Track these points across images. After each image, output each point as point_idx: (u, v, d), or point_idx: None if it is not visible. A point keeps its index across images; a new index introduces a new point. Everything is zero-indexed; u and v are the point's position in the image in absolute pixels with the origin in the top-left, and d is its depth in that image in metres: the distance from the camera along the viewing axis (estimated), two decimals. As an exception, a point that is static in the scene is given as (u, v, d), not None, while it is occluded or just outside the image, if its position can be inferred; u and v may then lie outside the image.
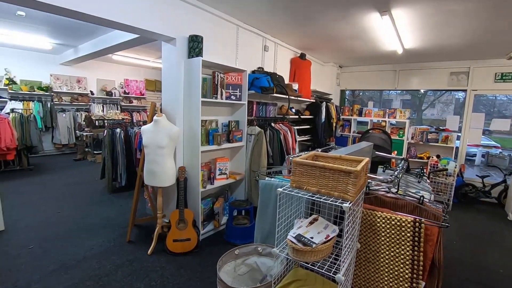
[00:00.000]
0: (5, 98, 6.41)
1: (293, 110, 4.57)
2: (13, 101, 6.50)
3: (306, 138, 4.81)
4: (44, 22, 4.57)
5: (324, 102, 5.02)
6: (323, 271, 1.31)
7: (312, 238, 1.36)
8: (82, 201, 4.01)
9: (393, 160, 4.16)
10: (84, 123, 6.99)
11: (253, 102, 3.71)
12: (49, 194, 4.27)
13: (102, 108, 7.95)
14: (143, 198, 3.64)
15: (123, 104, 8.50)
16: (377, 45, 4.39)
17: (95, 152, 6.56)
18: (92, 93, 7.84)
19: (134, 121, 7.66)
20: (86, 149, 6.87)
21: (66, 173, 5.55)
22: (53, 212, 3.60)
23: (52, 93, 7.11)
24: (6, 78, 6.47)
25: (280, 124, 3.81)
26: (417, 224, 1.44)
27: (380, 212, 1.55)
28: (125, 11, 2.38)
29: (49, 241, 2.86)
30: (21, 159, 5.67)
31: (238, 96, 3.12)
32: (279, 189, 1.38)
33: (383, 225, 1.54)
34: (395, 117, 5.44)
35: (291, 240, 1.36)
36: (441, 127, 5.33)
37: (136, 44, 4.38)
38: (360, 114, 5.84)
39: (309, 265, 1.37)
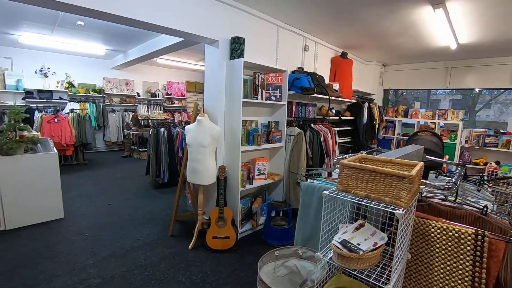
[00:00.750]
0: (65, 99, 7.14)
1: (333, 110, 4.44)
2: (71, 102, 7.23)
3: (346, 140, 4.64)
4: (99, 30, 4.99)
5: (367, 103, 4.80)
6: (371, 280, 1.24)
7: (358, 244, 1.30)
8: (129, 195, 4.30)
9: (444, 165, 3.84)
10: (131, 122, 7.50)
11: (293, 103, 3.67)
12: (101, 187, 4.65)
13: (147, 109, 8.47)
14: (184, 195, 3.80)
15: (165, 105, 8.98)
16: (427, 41, 4.08)
17: (140, 149, 7.01)
18: (138, 94, 8.40)
19: (176, 121, 8.04)
20: (133, 147, 7.37)
21: (115, 168, 6.01)
22: (104, 203, 3.92)
23: (104, 95, 7.75)
24: (67, 82, 7.19)
25: (320, 125, 3.72)
26: (479, 237, 1.30)
27: (434, 222, 1.43)
28: (172, 16, 2.50)
29: (101, 230, 3.11)
30: (78, 155, 6.27)
31: (278, 97, 3.11)
32: (325, 192, 1.34)
33: (438, 235, 1.42)
34: (446, 119, 5.01)
35: (336, 246, 1.31)
36: (501, 130, 4.79)
37: (180, 48, 4.59)
38: (405, 115, 5.48)
39: (352, 273, 1.31)
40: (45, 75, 6.93)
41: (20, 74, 6.56)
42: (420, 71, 5.74)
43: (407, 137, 5.32)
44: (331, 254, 1.43)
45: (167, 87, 9.05)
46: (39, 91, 6.78)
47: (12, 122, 3.19)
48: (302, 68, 3.84)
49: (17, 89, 6.50)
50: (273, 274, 1.90)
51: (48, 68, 6.96)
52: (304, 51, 3.97)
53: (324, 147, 3.51)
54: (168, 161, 4.53)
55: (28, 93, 6.61)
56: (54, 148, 3.60)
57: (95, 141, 6.68)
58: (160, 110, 8.67)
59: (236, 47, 2.82)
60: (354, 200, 1.28)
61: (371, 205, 1.23)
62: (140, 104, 8.42)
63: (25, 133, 3.30)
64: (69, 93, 7.17)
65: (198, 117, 2.68)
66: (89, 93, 7.50)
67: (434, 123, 5.11)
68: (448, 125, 5.22)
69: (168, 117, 7.93)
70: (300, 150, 3.17)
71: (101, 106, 7.64)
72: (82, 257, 2.57)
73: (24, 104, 6.43)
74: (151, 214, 3.58)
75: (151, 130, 4.57)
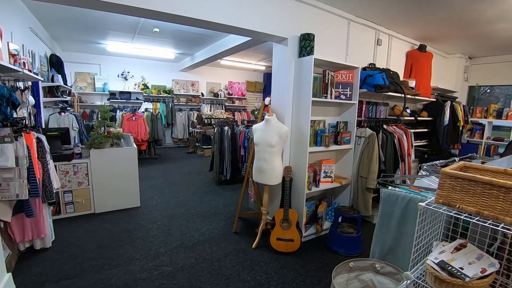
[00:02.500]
0: (141, 100, 7.95)
1: (408, 110, 3.99)
2: (146, 102, 8.02)
3: (422, 143, 4.14)
4: (171, 35, 5.38)
5: (449, 101, 4.21)
6: (481, 314, 1.03)
7: (461, 268, 1.10)
8: (194, 189, 4.56)
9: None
10: (196, 121, 7.98)
11: (363, 102, 3.40)
12: (169, 180, 5.03)
13: (210, 108, 8.92)
14: (246, 193, 3.85)
15: (227, 104, 9.33)
16: (535, 26, 3.39)
17: (203, 146, 7.40)
18: (202, 94, 8.90)
19: (236, 119, 8.28)
20: (197, 144, 7.83)
21: (181, 163, 6.45)
22: (173, 195, 4.21)
23: (173, 95, 8.40)
24: (142, 84, 8.00)
25: (394, 126, 3.38)
26: None
27: None
28: (241, 16, 2.52)
29: (172, 220, 3.34)
30: (150, 150, 6.91)
31: (348, 95, 2.91)
32: (421, 204, 1.16)
33: None
34: (556, 121, 4.11)
35: (432, 267, 1.13)
36: None
37: (244, 48, 4.66)
38: (499, 116, 4.66)
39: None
40: (125, 79, 7.83)
41: (106, 78, 7.54)
42: (520, 64, 4.82)
43: (501, 142, 4.54)
44: (419, 274, 1.26)
45: (229, 87, 9.39)
46: (120, 92, 7.70)
47: (101, 119, 3.63)
48: (374, 64, 3.54)
49: (104, 91, 7.49)
50: (345, 286, 1.76)
51: (128, 72, 7.83)
52: (377, 45, 3.65)
53: (398, 151, 3.17)
54: (230, 159, 4.66)
55: (112, 94, 7.56)
56: (134, 143, 4.00)
57: (165, 138, 7.30)
58: (222, 109, 9.04)
59: (306, 44, 2.72)
60: (461, 216, 1.08)
61: (486, 224, 1.02)
62: (204, 103, 8.91)
63: (111, 129, 3.73)
64: (144, 94, 7.96)
65: (266, 116, 2.66)
66: (160, 93, 8.21)
67: (539, 125, 4.24)
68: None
69: (230, 116, 8.21)
70: (371, 153, 2.91)
71: (170, 106, 8.30)
72: (155, 244, 2.79)
73: (109, 104, 7.35)
74: (215, 210, 3.71)
75: (215, 129, 4.75)
